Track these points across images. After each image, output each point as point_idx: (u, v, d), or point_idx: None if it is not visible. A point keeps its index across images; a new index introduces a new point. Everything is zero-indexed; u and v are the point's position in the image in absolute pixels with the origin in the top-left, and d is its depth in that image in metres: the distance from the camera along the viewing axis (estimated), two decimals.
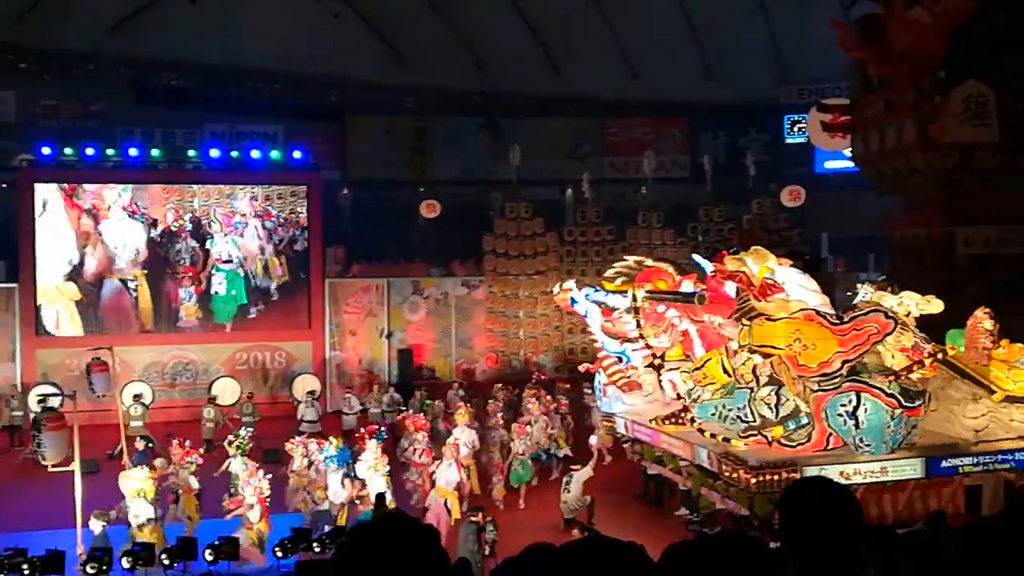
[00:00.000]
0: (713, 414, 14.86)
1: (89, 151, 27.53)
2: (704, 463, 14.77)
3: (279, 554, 13.30)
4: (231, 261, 28.27)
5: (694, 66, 36.54)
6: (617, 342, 17.62)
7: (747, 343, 13.87)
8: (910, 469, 13.45)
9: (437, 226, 32.18)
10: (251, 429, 22.69)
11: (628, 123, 38.10)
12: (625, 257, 18.48)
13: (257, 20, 32.50)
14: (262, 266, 28.43)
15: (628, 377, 17.63)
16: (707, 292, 15.01)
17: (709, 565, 3.08)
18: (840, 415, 13.32)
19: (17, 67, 33.85)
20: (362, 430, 16.83)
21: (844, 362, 13.23)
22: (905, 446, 13.48)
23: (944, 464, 13.57)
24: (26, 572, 12.35)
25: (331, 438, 16.47)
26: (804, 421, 13.73)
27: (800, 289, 14.06)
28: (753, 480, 13.33)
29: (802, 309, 13.63)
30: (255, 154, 28.93)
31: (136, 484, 14.24)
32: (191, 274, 27.98)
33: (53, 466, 16.05)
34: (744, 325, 13.91)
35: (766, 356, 13.89)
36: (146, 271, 27.72)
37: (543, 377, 25.35)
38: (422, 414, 20.20)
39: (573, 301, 18.54)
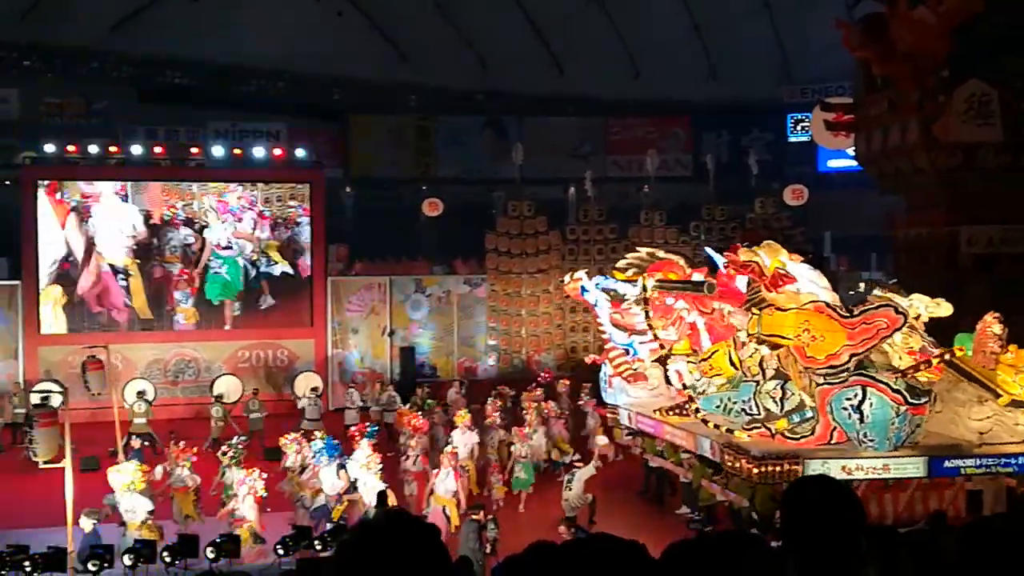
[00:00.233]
0: (718, 406, 14.93)
1: (92, 149, 27.55)
2: (707, 453, 14.84)
3: (281, 552, 13.31)
4: (230, 247, 28.23)
5: (697, 65, 36.53)
6: (625, 334, 17.66)
7: (756, 332, 13.90)
8: (912, 467, 13.44)
9: (439, 224, 32.17)
10: (260, 426, 22.82)
11: (631, 122, 38.10)
12: (638, 249, 18.52)
13: (260, 18, 32.53)
14: (261, 251, 28.39)
15: (634, 369, 17.66)
16: (717, 287, 15.08)
17: (710, 564, 3.08)
18: (845, 408, 13.34)
19: (20, 65, 33.94)
20: (353, 428, 16.84)
21: (852, 355, 13.24)
22: (908, 444, 13.47)
23: (947, 464, 13.55)
24: (27, 569, 12.37)
25: (317, 433, 16.48)
26: (809, 415, 13.76)
27: (811, 285, 14.11)
28: (755, 470, 13.38)
29: (812, 301, 13.66)
30: (258, 152, 28.93)
31: (126, 478, 14.16)
32: (186, 276, 27.90)
33: (45, 462, 16.05)
34: (754, 314, 13.94)
35: (774, 347, 13.93)
36: (138, 260, 27.61)
37: (548, 378, 25.12)
38: (420, 412, 20.18)
39: (584, 290, 18.58)
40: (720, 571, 3.06)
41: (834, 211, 32.87)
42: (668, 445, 16.99)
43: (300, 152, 29.46)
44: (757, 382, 14.33)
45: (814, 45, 32.91)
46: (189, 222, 28.02)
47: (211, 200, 28.13)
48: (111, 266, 27.57)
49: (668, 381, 17.28)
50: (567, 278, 19.46)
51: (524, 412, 20.48)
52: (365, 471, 15.19)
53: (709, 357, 15.13)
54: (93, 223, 27.40)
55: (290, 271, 28.67)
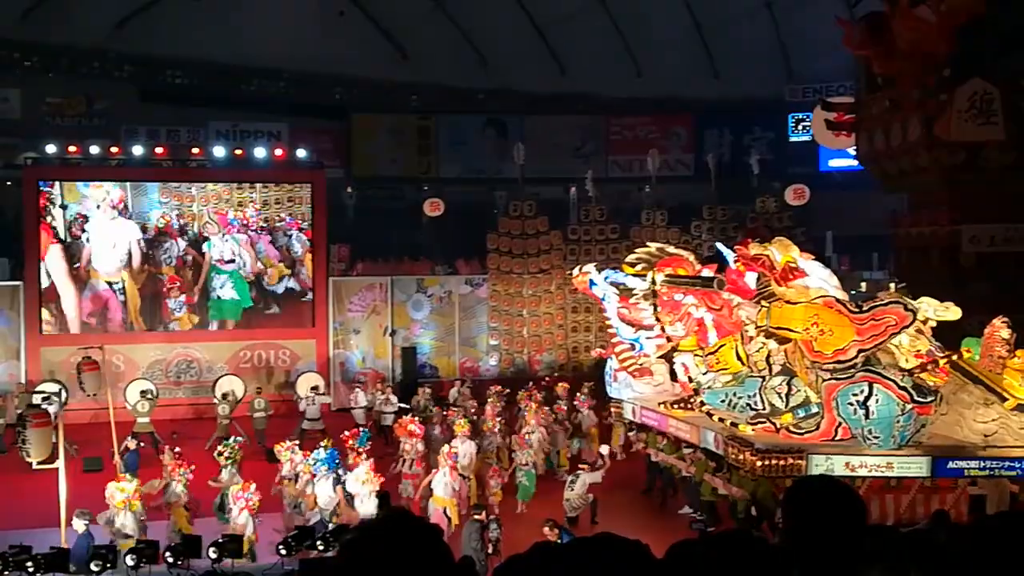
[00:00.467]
0: (723, 401, 14.95)
1: (93, 149, 27.55)
2: (710, 446, 14.84)
3: (283, 553, 13.30)
4: (233, 261, 28.22)
5: (698, 64, 36.54)
6: (632, 329, 17.66)
7: (765, 324, 13.91)
8: (916, 467, 13.40)
9: (441, 224, 32.18)
10: (263, 426, 22.82)
11: (632, 121, 38.10)
12: (648, 244, 18.54)
13: (261, 18, 32.55)
14: (263, 266, 28.35)
15: (639, 364, 17.69)
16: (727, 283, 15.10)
17: (713, 564, 3.08)
18: (851, 404, 13.34)
19: (22, 65, 33.95)
20: (346, 433, 16.65)
21: (860, 351, 13.23)
22: (913, 443, 13.46)
23: (950, 465, 13.47)
24: (30, 569, 12.37)
25: (322, 443, 16.07)
26: (814, 410, 13.77)
27: (821, 282, 14.12)
28: (759, 463, 13.38)
29: (822, 295, 13.67)
30: (259, 152, 28.94)
31: (125, 496, 13.93)
32: (178, 284, 27.79)
33: (38, 463, 15.96)
34: (763, 306, 13.95)
35: (782, 341, 13.93)
36: (131, 268, 27.34)
37: (548, 384, 24.82)
38: (422, 416, 20.08)
39: (592, 284, 18.59)
40: (723, 571, 3.06)
41: (835, 210, 32.87)
42: (671, 440, 17.02)
43: (301, 152, 29.42)
44: (763, 377, 14.36)
45: (815, 44, 32.90)
46: (183, 231, 27.83)
47: (210, 212, 28.01)
48: (108, 283, 27.43)
49: (674, 375, 17.31)
50: (576, 271, 19.46)
51: (523, 410, 20.45)
52: (362, 487, 14.93)
53: (716, 351, 15.15)
54: (87, 240, 27.05)
55: (295, 286, 28.56)
